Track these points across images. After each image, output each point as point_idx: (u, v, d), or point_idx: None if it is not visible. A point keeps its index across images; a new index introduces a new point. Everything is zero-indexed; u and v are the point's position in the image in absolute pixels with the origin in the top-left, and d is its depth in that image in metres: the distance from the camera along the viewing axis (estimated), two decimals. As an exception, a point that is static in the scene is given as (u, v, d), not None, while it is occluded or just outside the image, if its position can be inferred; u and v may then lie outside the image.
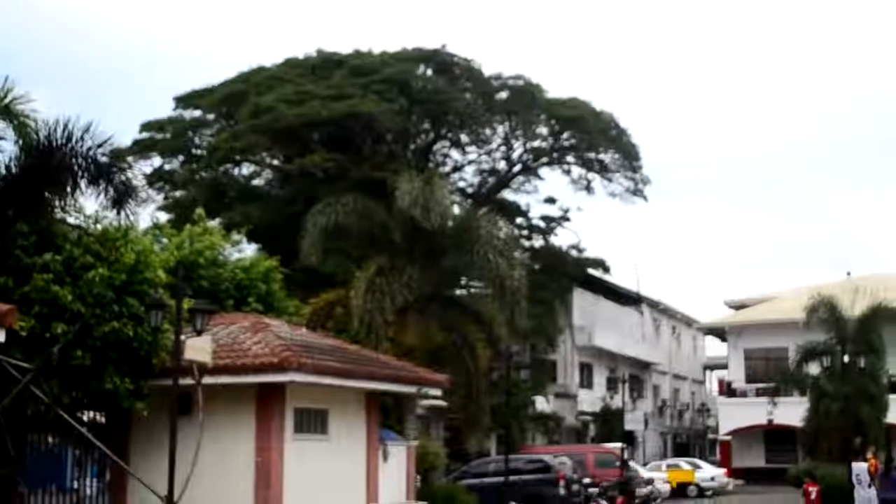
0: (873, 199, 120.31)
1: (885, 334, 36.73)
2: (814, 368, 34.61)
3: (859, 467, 25.03)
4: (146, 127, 46.05)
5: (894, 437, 48.63)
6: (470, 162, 48.24)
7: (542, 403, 45.25)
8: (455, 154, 47.98)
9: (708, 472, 47.88)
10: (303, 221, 28.09)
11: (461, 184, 47.72)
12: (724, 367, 62.15)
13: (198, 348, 15.74)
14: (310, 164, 41.54)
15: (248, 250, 30.39)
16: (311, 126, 42.55)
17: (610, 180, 47.15)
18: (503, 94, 46.48)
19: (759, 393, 51.10)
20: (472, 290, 31.52)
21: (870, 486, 23.99)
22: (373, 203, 28.21)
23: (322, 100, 42.06)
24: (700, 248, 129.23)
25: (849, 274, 61.27)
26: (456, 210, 35.63)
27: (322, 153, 41.80)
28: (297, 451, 18.15)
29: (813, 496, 24.74)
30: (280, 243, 32.37)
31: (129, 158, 20.42)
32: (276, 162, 46.97)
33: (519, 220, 47.78)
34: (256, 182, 47.86)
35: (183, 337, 15.43)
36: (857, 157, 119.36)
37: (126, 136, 42.17)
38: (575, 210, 48.87)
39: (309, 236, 27.59)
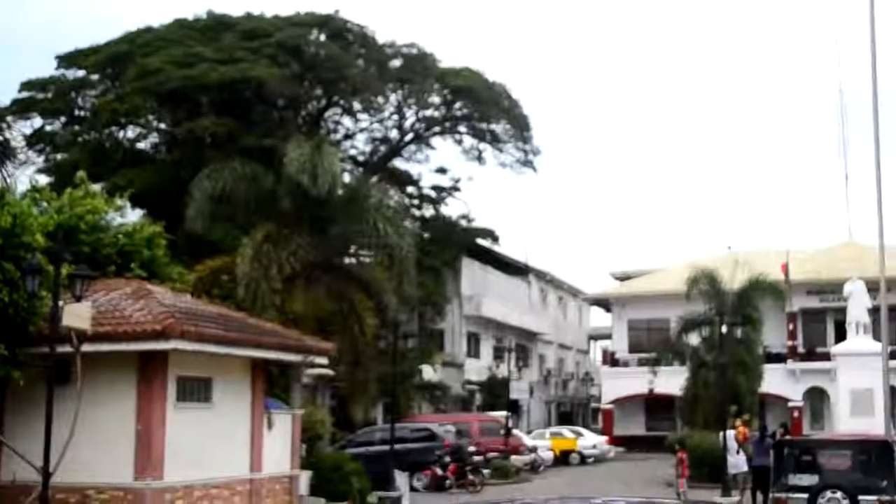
0: (753, 173, 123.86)
1: (761, 307, 38.00)
2: (694, 339, 35.57)
3: (728, 435, 25.77)
4: (26, 86, 44.42)
5: (768, 406, 50.46)
6: (362, 130, 47.97)
7: (429, 372, 45.49)
8: (347, 121, 47.69)
9: (590, 440, 48.89)
10: (189, 187, 27.54)
11: (352, 152, 47.45)
12: (609, 337, 63.48)
13: (76, 315, 15.35)
14: (198, 129, 40.70)
15: (132, 215, 29.62)
16: (200, 89, 41.65)
17: (501, 151, 47.46)
18: (396, 62, 46.26)
19: (641, 363, 52.37)
20: (361, 259, 31.34)
21: (738, 452, 24.71)
22: (261, 169, 27.80)
23: (211, 63, 41.19)
24: (587, 221, 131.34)
25: (729, 248, 63.04)
26: (346, 178, 35.42)
27: (211, 118, 41.00)
28: (179, 419, 17.87)
29: (682, 462, 25.59)
30: (166, 209, 31.68)
31: (8, 118, 19.68)
32: (163, 125, 45.90)
33: (410, 189, 47.77)
34: (142, 146, 46.69)
35: (61, 303, 15.02)
36: (739, 132, 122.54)
37: (4, 95, 40.71)
38: (466, 180, 49.17)
39: (195, 202, 27.07)
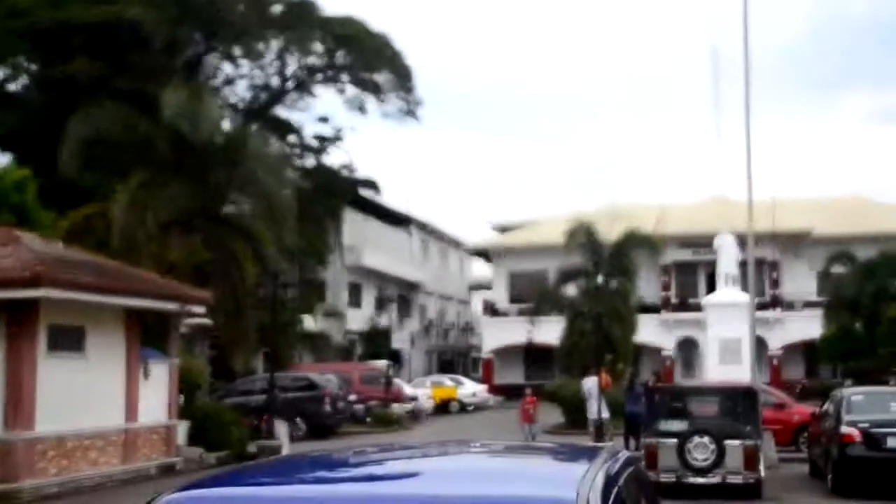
0: (632, 128, 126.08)
1: (636, 259, 38.88)
2: (571, 290, 36.22)
3: (589, 381, 26.37)
4: None
5: (642, 355, 51.86)
6: (242, 76, 46.95)
7: (310, 322, 45.31)
8: (227, 67, 46.57)
9: (470, 389, 49.57)
10: (62, 131, 26.61)
11: (233, 98, 46.42)
12: (489, 287, 64.22)
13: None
14: (72, 71, 39.23)
15: (2, 159, 28.60)
16: (73, 30, 40.07)
17: (383, 101, 47.07)
18: (278, 8, 45.31)
19: (520, 313, 53.13)
20: (241, 207, 30.88)
21: (599, 399, 25.28)
22: (137, 114, 27.05)
23: (84, 3, 39.68)
24: (469, 172, 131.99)
25: (607, 200, 64.27)
26: (226, 125, 34.74)
27: (85, 60, 39.56)
28: (50, 369, 17.45)
29: (530, 409, 26.39)
30: (38, 154, 30.56)
31: None
32: (34, 67, 44.11)
33: (291, 138, 47.09)
34: (11, 87, 44.83)
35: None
36: (618, 86, 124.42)
37: None
38: (348, 130, 48.71)
39: (68, 146, 26.24)
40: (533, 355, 56.42)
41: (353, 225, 55.14)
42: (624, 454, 4.33)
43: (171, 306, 21.09)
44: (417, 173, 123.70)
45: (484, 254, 64.96)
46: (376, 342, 49.70)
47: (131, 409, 20.10)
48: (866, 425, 17.43)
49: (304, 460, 4.29)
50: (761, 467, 17.37)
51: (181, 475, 19.62)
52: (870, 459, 17.22)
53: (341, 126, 48.40)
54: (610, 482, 3.44)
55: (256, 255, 27.60)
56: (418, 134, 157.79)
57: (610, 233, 40.36)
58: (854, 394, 19.97)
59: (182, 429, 22.64)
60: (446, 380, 50.78)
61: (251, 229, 27.48)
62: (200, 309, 22.41)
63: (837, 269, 43.35)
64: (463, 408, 46.44)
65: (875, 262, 39.61)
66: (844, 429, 17.50)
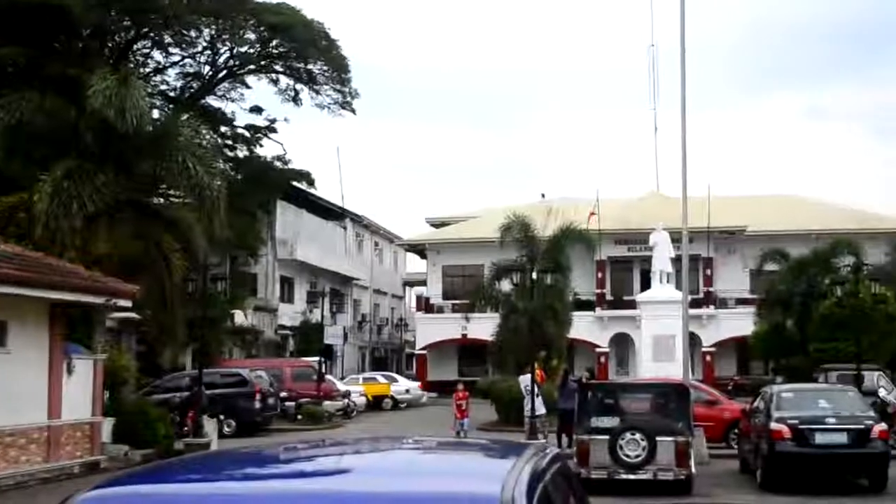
0: (569, 124, 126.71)
1: (571, 254, 38.91)
2: (506, 286, 36.07)
3: (525, 379, 26.30)
4: None
5: (577, 351, 52.02)
6: (173, 64, 46.05)
7: (240, 317, 44.69)
8: (157, 55, 45.64)
9: (403, 385, 49.37)
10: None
11: (163, 87, 45.51)
12: (424, 283, 64.00)
13: None
14: (-1, 57, 38.14)
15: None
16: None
17: (318, 92, 46.48)
18: (210, -6, 44.52)
19: (455, 309, 53.03)
20: (171, 199, 30.22)
21: (536, 395, 25.23)
22: (63, 102, 26.24)
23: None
24: (405, 166, 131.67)
25: (543, 196, 64.42)
26: (155, 114, 34.00)
27: (7, 45, 38.46)
28: (-32, 364, 16.85)
29: (462, 404, 26.25)
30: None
31: None
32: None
33: (223, 128, 46.31)
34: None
35: None
36: (556, 83, 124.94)
37: None
38: (281, 121, 48.02)
39: (-10, 135, 25.38)
40: (467, 351, 56.35)
41: (287, 218, 54.55)
42: (552, 450, 4.32)
43: (96, 300, 20.56)
44: (353, 166, 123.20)
45: (418, 249, 64.73)
46: (309, 338, 49.17)
47: (54, 406, 19.58)
48: (795, 422, 17.56)
49: (225, 456, 4.28)
50: (692, 463, 17.40)
51: (105, 474, 19.11)
52: (798, 455, 17.35)
53: (274, 116, 47.79)
54: (536, 478, 3.42)
55: (186, 247, 26.98)
56: (354, 126, 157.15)
57: (545, 228, 40.37)
58: (784, 391, 20.15)
59: (107, 426, 22.17)
60: (379, 376, 50.51)
61: (181, 221, 26.83)
62: (127, 303, 21.90)
63: (770, 266, 43.82)
64: (396, 404, 46.22)
65: (807, 260, 40.08)
66: (774, 425, 17.61)
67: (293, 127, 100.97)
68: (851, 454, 17.45)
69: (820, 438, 17.43)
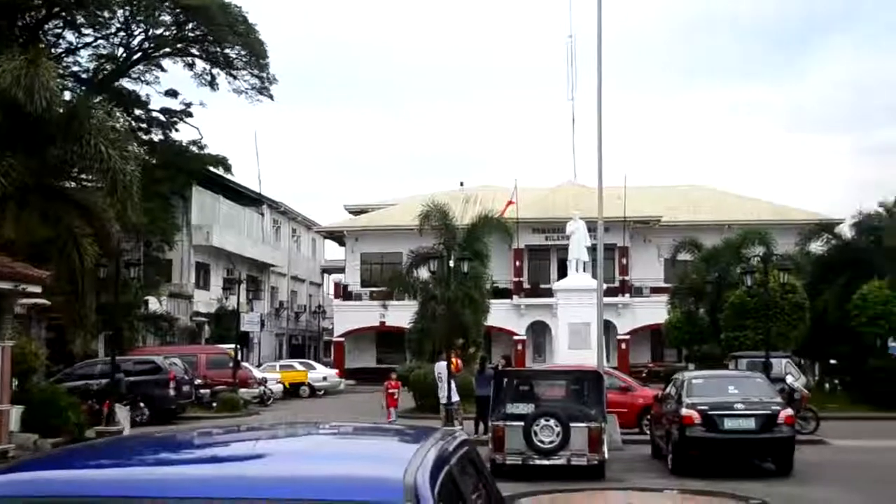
0: (489, 113, 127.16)
1: (489, 243, 39.07)
2: (424, 273, 36.07)
3: (440, 366, 26.35)
4: None
5: (494, 339, 52.34)
6: (86, 45, 45.01)
7: (155, 303, 43.99)
8: (70, 36, 44.57)
9: (321, 373, 49.18)
10: None
11: (75, 68, 44.53)
12: (342, 270, 63.76)
13: None
14: None
15: None
16: None
17: (235, 77, 45.89)
18: (124, -26, 43.61)
19: (373, 296, 52.95)
20: (83, 183, 29.55)
21: (449, 383, 25.30)
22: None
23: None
24: (324, 153, 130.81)
25: (462, 184, 64.64)
26: (67, 95, 33.23)
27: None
28: None
29: (393, 393, 26.22)
30: None
31: None
32: None
33: (137, 111, 45.49)
34: None
35: None
36: (477, 72, 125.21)
37: None
38: (197, 105, 47.31)
39: None
40: (385, 339, 56.32)
41: (203, 203, 53.82)
42: (460, 436, 4.38)
43: (4, 286, 20.02)
44: (271, 153, 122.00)
45: (337, 236, 64.41)
46: (225, 324, 48.63)
47: (-42, 394, 19.01)
48: (705, 407, 17.90)
49: (134, 441, 4.31)
50: (605, 449, 17.63)
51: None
52: (708, 440, 17.70)
53: (190, 100, 47.06)
54: (440, 462, 3.47)
55: (98, 232, 26.42)
56: (272, 112, 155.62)
57: (464, 216, 40.51)
58: (694, 377, 20.53)
59: (15, 414, 21.64)
60: (296, 363, 50.24)
61: (93, 206, 26.27)
62: (37, 289, 21.36)
63: (683, 256, 44.55)
64: (313, 392, 46.03)
65: (719, 250, 40.83)
66: (684, 411, 17.93)
67: (210, 112, 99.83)
68: (759, 439, 17.85)
69: (729, 424, 17.80)
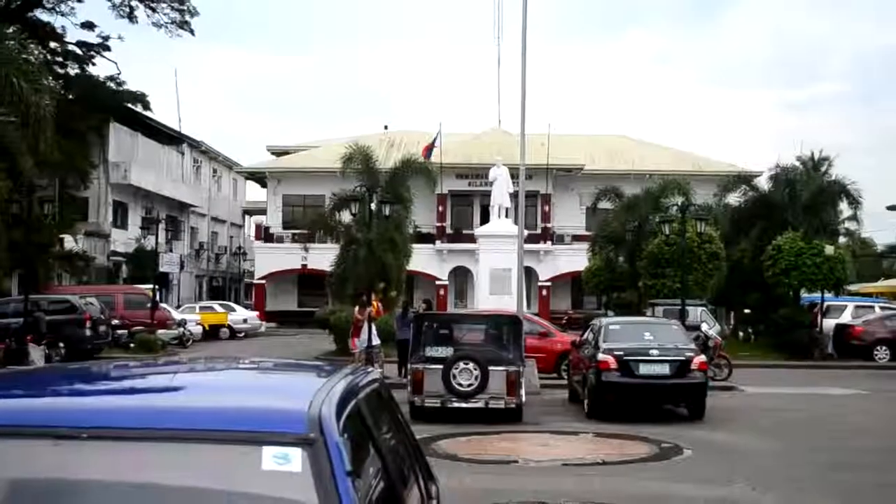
0: (416, 56, 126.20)
1: (413, 187, 38.88)
2: (347, 216, 35.82)
3: (363, 311, 26.21)
4: None
5: (417, 283, 52.41)
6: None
7: (70, 242, 43.05)
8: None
9: (241, 315, 48.86)
10: None
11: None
12: (263, 212, 63.06)
13: None
14: None
15: None
16: None
17: (154, 10, 44.63)
18: None
19: (295, 238, 52.52)
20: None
21: (370, 326, 25.23)
22: None
23: None
24: (247, 93, 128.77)
25: (386, 128, 64.20)
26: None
27: None
28: None
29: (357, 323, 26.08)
30: None
31: None
32: None
33: (52, 43, 44.03)
34: None
35: None
36: (404, 14, 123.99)
37: None
38: (116, 39, 45.96)
39: None
40: (306, 281, 56.05)
41: (120, 141, 52.61)
42: (373, 373, 4.44)
43: None
44: (192, 92, 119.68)
45: (259, 177, 63.55)
46: (143, 265, 47.80)
47: None
48: (621, 353, 18.17)
49: (40, 373, 4.36)
50: (522, 392, 17.81)
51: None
52: (623, 385, 17.99)
53: (108, 34, 45.71)
54: (348, 396, 3.51)
55: (10, 168, 25.73)
56: (193, 50, 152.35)
57: (387, 160, 40.22)
58: (611, 323, 20.81)
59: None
60: (217, 305, 49.80)
61: (3, 139, 25.51)
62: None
63: (605, 204, 44.87)
64: (233, 334, 45.75)
65: (639, 199, 41.21)
66: (601, 356, 18.18)
67: (128, 47, 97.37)
68: (672, 384, 18.20)
69: (643, 369, 18.10)
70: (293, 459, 2.97)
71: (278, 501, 2.98)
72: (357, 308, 26.65)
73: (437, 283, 56.44)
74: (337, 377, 3.74)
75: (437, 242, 56.76)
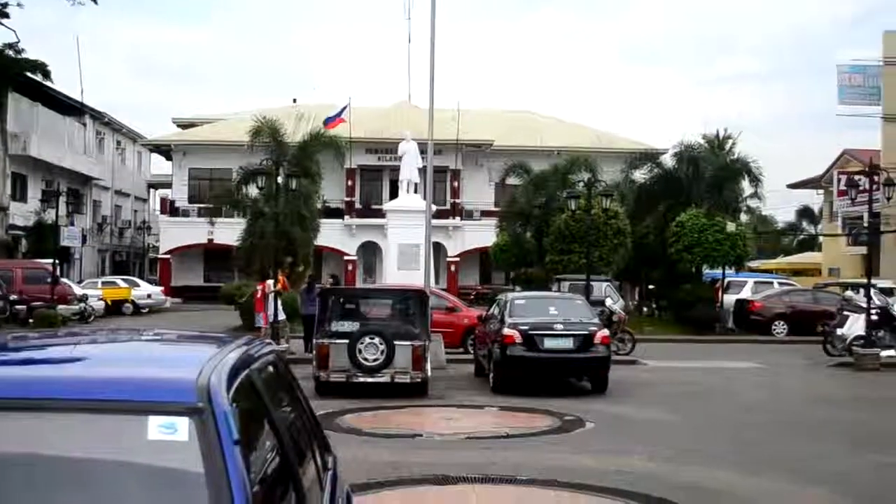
0: (326, 30, 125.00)
1: (322, 161, 38.62)
2: (254, 190, 35.47)
3: (268, 284, 26.09)
4: None
5: (325, 258, 52.18)
6: None
7: (-34, 215, 41.76)
8: None
9: (145, 290, 47.99)
10: None
11: None
12: (169, 185, 61.99)
13: None
14: None
15: None
16: None
17: (55, -23, 43.45)
18: None
19: (201, 213, 51.77)
20: None
21: (276, 301, 25.12)
22: None
23: None
24: (151, 64, 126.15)
25: (295, 101, 63.56)
26: None
27: None
28: None
29: (259, 294, 25.86)
30: None
31: None
32: None
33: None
34: None
35: None
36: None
37: None
38: (14, 6, 44.54)
39: None
40: (213, 256, 55.39)
41: (19, 111, 51.07)
42: (269, 346, 4.40)
43: None
44: (95, 62, 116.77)
45: (164, 150, 62.37)
46: (43, 239, 46.58)
47: None
48: (526, 327, 18.34)
49: None
50: (428, 367, 17.89)
51: None
52: (528, 359, 18.18)
53: (6, 0, 44.24)
54: (240, 366, 3.50)
55: None
56: (97, 20, 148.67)
57: (296, 133, 39.80)
58: (517, 298, 20.99)
59: None
60: (120, 280, 48.82)
61: None
62: None
63: (513, 180, 45.17)
64: (137, 310, 44.93)
65: (546, 175, 41.59)
66: (506, 330, 18.33)
67: (29, 15, 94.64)
68: (576, 358, 18.46)
69: (548, 343, 18.31)
70: (180, 429, 2.95)
71: (164, 471, 2.96)
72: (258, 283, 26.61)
73: (346, 258, 56.27)
74: (230, 348, 3.72)
75: (346, 217, 56.55)
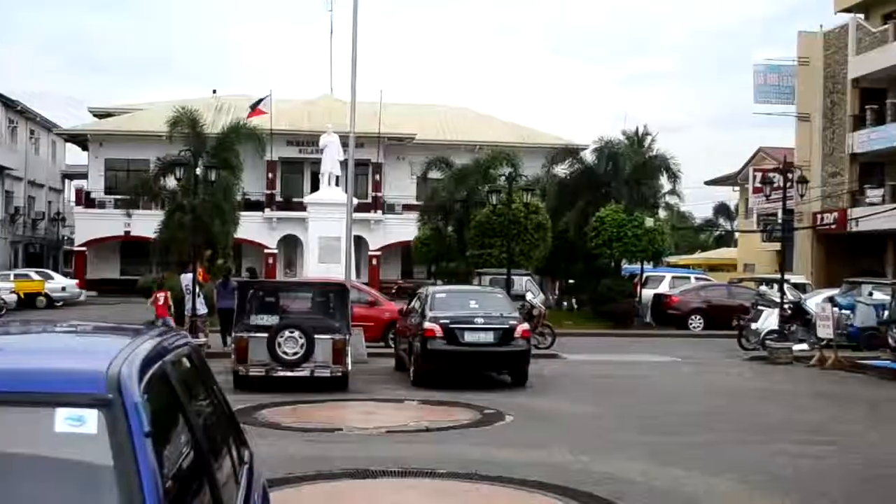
0: (247, 19, 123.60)
1: (242, 153, 38.21)
2: (172, 182, 34.96)
3: (186, 278, 25.83)
4: None
5: (245, 251, 51.68)
6: None
7: None
8: None
9: (59, 283, 47.11)
10: None
11: None
12: (85, 176, 60.77)
13: None
14: None
15: None
16: None
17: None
18: None
19: (118, 204, 50.83)
20: None
21: (198, 294, 24.85)
22: None
23: None
24: (67, 52, 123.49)
25: (214, 92, 62.72)
26: None
27: None
28: None
29: (161, 301, 25.30)
30: None
31: None
32: None
33: None
34: None
35: None
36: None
37: None
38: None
39: None
40: (130, 249, 54.51)
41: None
42: (185, 338, 4.36)
43: None
44: (7, 51, 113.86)
45: (80, 140, 61.08)
46: (-47, 230, 45.50)
47: None
48: (447, 321, 18.37)
49: None
50: (349, 361, 17.81)
51: None
52: (448, 353, 18.22)
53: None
54: (153, 357, 3.46)
55: None
56: (9, 7, 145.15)
57: (215, 125, 39.35)
58: (437, 292, 20.99)
59: None
60: (33, 273, 47.78)
61: None
62: None
63: (435, 174, 45.19)
64: (51, 303, 44.04)
65: (468, 170, 41.68)
66: (427, 324, 18.34)
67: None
68: (496, 352, 18.54)
69: (468, 337, 18.36)
70: (88, 421, 2.88)
71: (72, 465, 2.89)
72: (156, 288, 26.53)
73: (267, 251, 55.79)
74: (143, 339, 3.66)
75: (267, 210, 56.05)
